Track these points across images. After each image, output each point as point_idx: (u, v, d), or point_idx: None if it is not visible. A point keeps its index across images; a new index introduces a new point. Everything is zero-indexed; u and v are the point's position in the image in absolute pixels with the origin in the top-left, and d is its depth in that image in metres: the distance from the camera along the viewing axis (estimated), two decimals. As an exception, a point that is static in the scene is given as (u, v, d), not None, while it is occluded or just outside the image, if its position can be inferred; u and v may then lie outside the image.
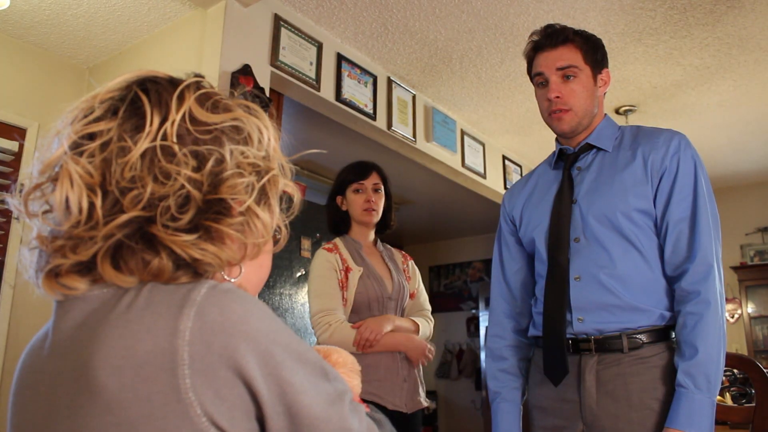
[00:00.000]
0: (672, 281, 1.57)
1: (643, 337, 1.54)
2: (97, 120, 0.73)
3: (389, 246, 2.79)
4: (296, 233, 3.81)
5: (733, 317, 6.57)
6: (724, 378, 2.96)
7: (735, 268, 6.47)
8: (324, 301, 2.45)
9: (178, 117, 0.73)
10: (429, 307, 2.78)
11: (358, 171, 2.64)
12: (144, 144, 0.71)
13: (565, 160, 1.78)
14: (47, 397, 0.70)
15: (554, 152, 1.87)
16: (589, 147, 1.74)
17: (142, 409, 0.63)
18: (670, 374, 1.49)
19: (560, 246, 1.66)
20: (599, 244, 1.61)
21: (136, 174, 0.70)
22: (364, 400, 0.89)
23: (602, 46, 1.77)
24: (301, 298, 3.78)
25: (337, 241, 2.61)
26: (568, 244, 1.65)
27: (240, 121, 0.78)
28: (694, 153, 1.64)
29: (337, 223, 2.67)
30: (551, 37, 1.72)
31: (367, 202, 2.58)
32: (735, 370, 2.89)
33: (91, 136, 0.72)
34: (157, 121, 0.72)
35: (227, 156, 0.75)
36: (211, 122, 0.75)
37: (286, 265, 3.70)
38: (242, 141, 0.78)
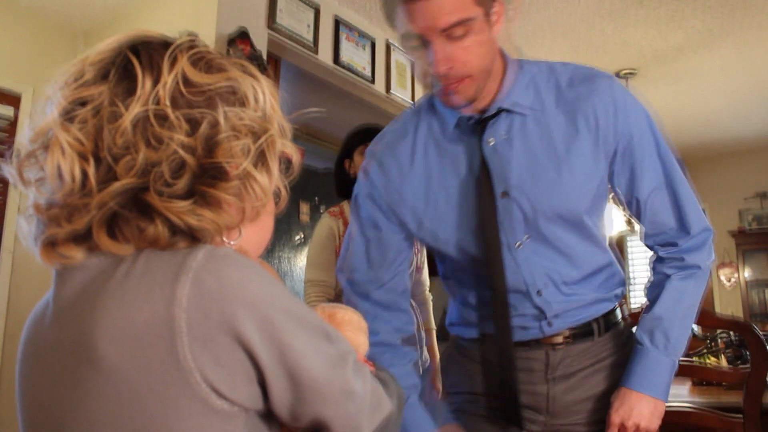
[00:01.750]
0: (652, 247, 1.38)
1: (609, 321, 1.36)
2: (88, 84, 0.71)
3: None
4: (295, 198, 3.81)
5: (729, 282, 6.62)
6: (720, 341, 2.99)
7: (733, 234, 6.49)
8: (314, 272, 2.50)
9: (170, 79, 0.71)
10: (428, 283, 2.82)
11: (367, 134, 2.62)
12: (136, 108, 0.69)
13: (470, 130, 1.30)
14: (50, 367, 0.70)
15: (424, 105, 1.39)
16: (500, 110, 1.28)
17: (143, 378, 0.63)
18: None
19: (495, 261, 1.27)
20: (552, 247, 1.30)
21: (128, 140, 0.68)
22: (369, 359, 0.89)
23: None
24: (300, 261, 3.79)
25: (344, 204, 2.62)
26: (500, 256, 1.27)
27: (235, 81, 0.76)
28: (636, 99, 1.31)
29: (345, 187, 2.67)
30: None
31: None
32: (731, 333, 2.91)
33: (83, 102, 0.71)
34: (149, 84, 0.70)
35: (221, 119, 0.73)
36: (205, 83, 0.73)
37: (285, 229, 3.71)
38: (238, 102, 0.76)
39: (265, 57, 2.98)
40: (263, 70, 2.90)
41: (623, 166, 1.29)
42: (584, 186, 1.27)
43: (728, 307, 6.51)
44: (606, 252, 1.37)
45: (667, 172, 1.31)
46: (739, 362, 2.83)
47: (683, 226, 1.32)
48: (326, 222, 2.56)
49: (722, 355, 3.02)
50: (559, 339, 1.32)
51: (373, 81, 3.78)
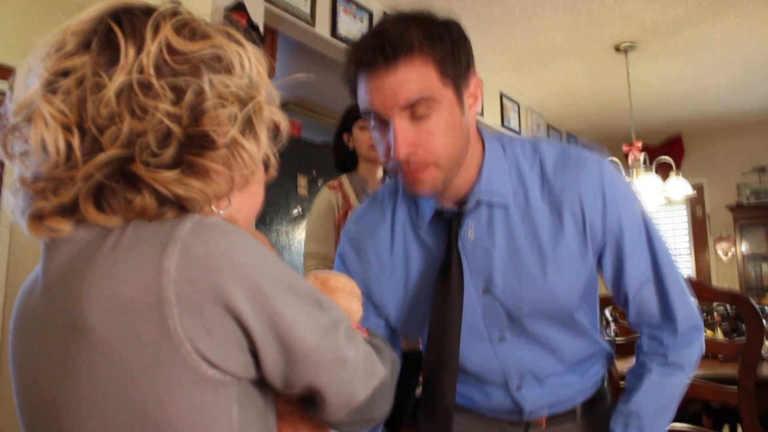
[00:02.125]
0: (637, 331, 1.30)
1: (594, 402, 1.30)
2: (70, 55, 0.70)
3: None
4: (292, 171, 3.80)
5: (727, 255, 6.64)
6: (716, 313, 3.01)
7: (731, 208, 6.50)
8: (314, 245, 2.51)
9: (154, 47, 0.70)
10: None
11: None
12: (119, 78, 0.68)
13: (445, 224, 1.20)
14: (41, 340, 0.70)
15: (402, 185, 1.20)
16: (479, 201, 1.18)
17: (133, 349, 0.63)
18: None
19: (450, 363, 1.19)
20: (537, 342, 1.21)
21: (113, 110, 0.67)
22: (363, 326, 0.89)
23: (465, 42, 1.11)
24: (298, 235, 3.80)
25: (343, 178, 2.62)
26: (456, 358, 1.19)
27: (220, 48, 0.75)
28: (627, 187, 1.21)
29: (344, 161, 2.67)
30: (383, 49, 1.03)
31: (373, 140, 2.57)
32: (728, 306, 2.93)
33: (65, 73, 0.69)
34: (132, 53, 0.69)
35: (206, 87, 0.71)
36: (189, 51, 0.72)
37: (283, 202, 3.71)
38: (224, 69, 0.74)
39: (261, 29, 2.95)
40: (260, 42, 2.87)
41: (611, 259, 1.19)
42: (572, 285, 1.17)
43: (725, 280, 6.54)
44: (595, 341, 1.27)
45: (657, 265, 1.20)
46: (735, 335, 2.85)
47: (670, 324, 1.22)
48: (325, 195, 2.56)
49: (718, 328, 3.05)
50: (540, 421, 1.26)
51: (370, 54, 3.74)
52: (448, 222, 1.18)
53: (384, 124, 1.07)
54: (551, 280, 1.15)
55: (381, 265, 1.26)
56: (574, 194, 1.15)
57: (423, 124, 1.05)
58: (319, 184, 3.85)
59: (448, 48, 1.06)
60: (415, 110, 1.04)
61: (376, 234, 1.27)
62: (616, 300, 1.24)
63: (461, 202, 1.18)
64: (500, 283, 1.17)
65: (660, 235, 1.21)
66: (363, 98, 1.08)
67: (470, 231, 1.18)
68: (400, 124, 1.04)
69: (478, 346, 1.21)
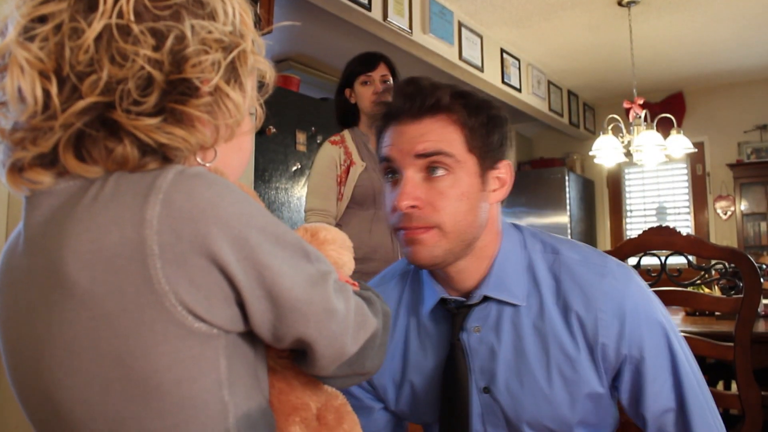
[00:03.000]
0: None
1: None
2: (47, 1, 0.68)
3: None
4: (291, 127, 3.77)
5: (726, 214, 6.65)
6: (714, 271, 3.02)
7: (731, 166, 6.48)
8: (315, 200, 2.52)
9: None
10: None
11: (366, 62, 2.60)
12: (99, 24, 0.65)
13: (449, 314, 1.13)
14: (25, 296, 0.69)
15: (413, 268, 1.22)
16: (487, 297, 1.10)
17: (116, 303, 0.63)
18: None
19: None
20: None
21: (92, 57, 0.65)
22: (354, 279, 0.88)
23: (503, 125, 1.08)
24: (297, 192, 3.79)
25: (345, 133, 2.61)
26: None
27: None
28: (653, 307, 1.10)
29: (346, 116, 2.66)
30: (413, 99, 1.03)
31: (374, 94, 2.55)
32: (726, 263, 2.94)
33: (42, 19, 0.67)
34: None
35: (188, 32, 0.69)
36: None
37: (282, 159, 3.69)
38: (207, 15, 0.72)
39: (258, -19, 2.90)
40: (257, -5, 2.82)
41: (629, 383, 1.09)
42: (578, 402, 1.08)
43: (723, 239, 6.56)
44: None
45: (682, 395, 1.07)
46: (732, 292, 2.87)
47: None
48: (327, 150, 2.56)
49: (716, 286, 3.05)
50: None
51: (369, 8, 3.69)
52: (453, 313, 1.12)
53: (395, 175, 1.05)
54: (557, 394, 1.08)
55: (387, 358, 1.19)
56: (590, 308, 1.07)
57: (436, 183, 1.02)
58: (318, 141, 3.83)
59: (483, 120, 1.04)
60: (429, 162, 1.02)
61: None
62: (633, 419, 1.14)
63: (468, 294, 1.12)
64: (501, 385, 1.10)
65: (689, 360, 1.11)
66: (383, 144, 1.06)
67: (476, 326, 1.12)
68: (412, 176, 1.02)
69: None
